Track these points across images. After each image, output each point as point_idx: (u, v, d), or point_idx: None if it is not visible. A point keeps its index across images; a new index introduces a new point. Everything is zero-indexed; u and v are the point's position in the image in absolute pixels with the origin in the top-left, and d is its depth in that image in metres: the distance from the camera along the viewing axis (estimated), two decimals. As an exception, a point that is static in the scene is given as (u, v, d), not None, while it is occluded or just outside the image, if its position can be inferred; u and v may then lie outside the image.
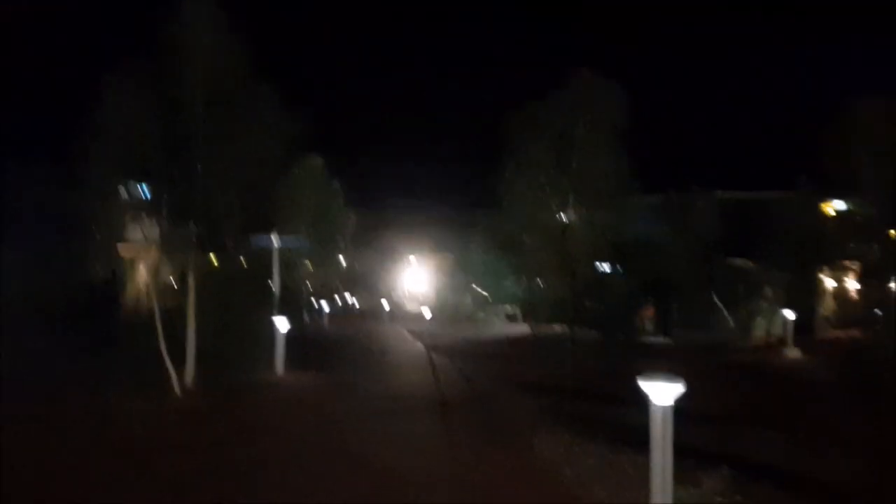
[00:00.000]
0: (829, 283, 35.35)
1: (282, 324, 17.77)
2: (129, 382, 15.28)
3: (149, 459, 9.01)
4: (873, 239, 29.13)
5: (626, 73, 19.38)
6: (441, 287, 58.06)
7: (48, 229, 22.61)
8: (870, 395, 14.73)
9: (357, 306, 57.06)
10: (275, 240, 23.69)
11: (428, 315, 43.56)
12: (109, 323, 25.30)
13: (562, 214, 19.44)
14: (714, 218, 30.88)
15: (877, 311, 31.03)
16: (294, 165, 37.85)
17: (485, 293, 47.81)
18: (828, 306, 37.54)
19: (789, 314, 26.52)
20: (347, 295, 58.02)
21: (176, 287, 20.00)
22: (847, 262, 33.17)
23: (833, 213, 31.04)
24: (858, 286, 35.81)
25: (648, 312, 36.46)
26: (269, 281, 23.89)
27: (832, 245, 30.52)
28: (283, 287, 31.73)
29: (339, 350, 25.09)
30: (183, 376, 14.67)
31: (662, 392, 5.85)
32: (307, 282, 43.02)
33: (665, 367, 17.65)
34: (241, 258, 22.55)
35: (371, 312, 51.94)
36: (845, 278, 36.43)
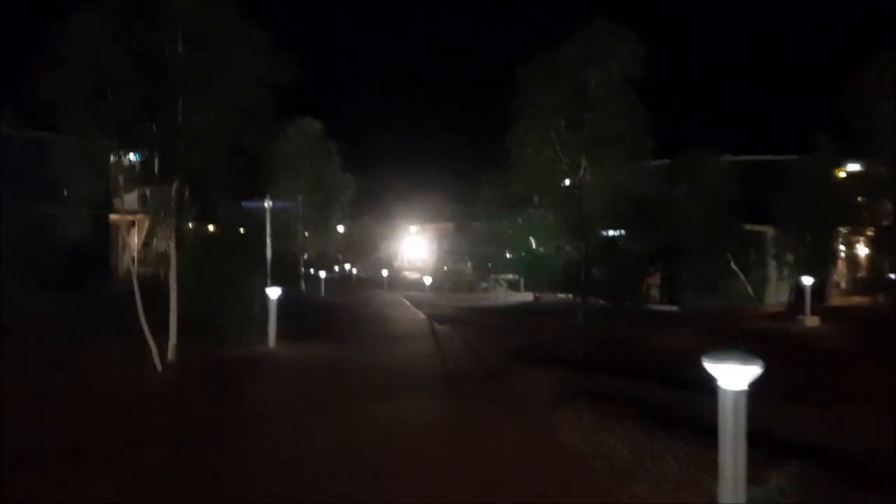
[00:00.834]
0: (840, 248, 34.30)
1: (274, 293, 16.56)
2: (108, 355, 14.21)
3: (104, 456, 7.75)
4: (889, 201, 28.05)
5: (640, 24, 17.81)
6: (442, 254, 57.14)
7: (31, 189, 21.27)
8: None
9: (356, 274, 56.07)
10: (268, 204, 22.56)
11: (428, 283, 42.49)
12: (99, 290, 24.25)
13: (573, 174, 18.22)
14: (726, 182, 29.69)
15: (892, 276, 30.05)
16: (290, 127, 36.99)
17: (487, 261, 46.92)
18: (840, 272, 36.55)
19: (807, 280, 25.35)
20: (346, 263, 57.16)
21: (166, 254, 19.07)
22: (858, 228, 32.13)
23: (848, 176, 29.84)
24: (868, 251, 34.80)
25: (654, 279, 35.49)
26: (263, 248, 22.80)
27: (847, 209, 29.35)
28: (279, 255, 30.71)
29: (337, 320, 23.96)
30: (166, 350, 13.46)
31: (735, 375, 4.66)
32: (304, 249, 42.05)
33: (678, 337, 16.65)
34: (232, 224, 21.45)
35: (370, 281, 50.95)
36: (856, 244, 35.41)
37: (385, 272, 48.51)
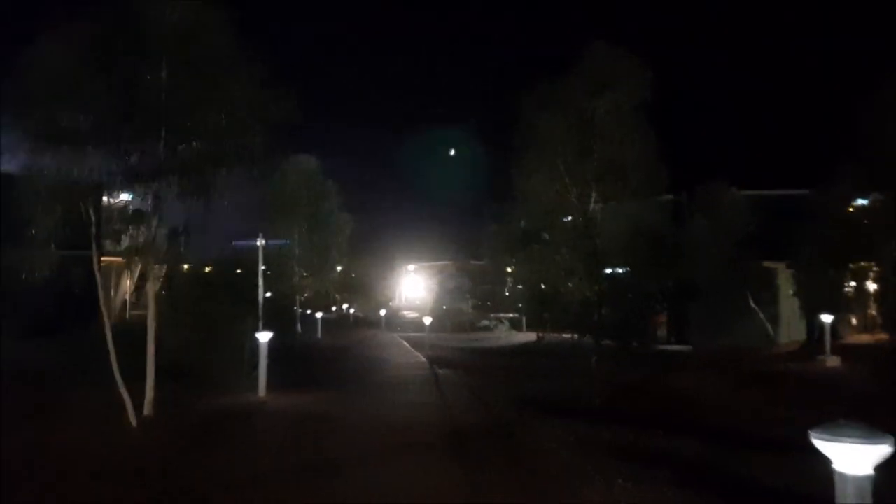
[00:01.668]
0: (851, 284, 33.26)
1: (264, 338, 15.34)
2: (80, 408, 12.95)
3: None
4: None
5: (647, 51, 16.98)
6: (441, 293, 55.87)
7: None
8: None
9: (354, 314, 54.80)
10: (260, 242, 21.36)
11: (427, 323, 41.17)
12: (86, 335, 23.05)
13: (583, 207, 17.21)
14: (741, 216, 28.64)
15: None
16: (286, 164, 36.12)
17: (487, 299, 45.78)
18: (853, 309, 35.42)
19: (827, 318, 24.13)
20: (345, 303, 55.89)
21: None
22: (868, 263, 31.13)
23: (867, 208, 28.81)
24: (879, 287, 33.69)
25: (661, 318, 34.33)
26: (255, 288, 21.61)
27: (868, 243, 28.21)
28: (274, 296, 29.48)
29: (333, 364, 22.68)
30: (143, 402, 12.18)
31: (857, 456, 3.46)
32: (301, 290, 40.81)
33: (699, 381, 15.36)
34: (221, 264, 20.32)
35: (368, 321, 49.59)
36: (868, 279, 34.39)
37: (383, 312, 47.22)
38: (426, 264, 64.89)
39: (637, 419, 12.52)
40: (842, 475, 3.58)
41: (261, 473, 8.99)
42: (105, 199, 12.83)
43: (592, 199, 16.85)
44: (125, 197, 12.97)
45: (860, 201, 28.40)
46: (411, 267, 66.54)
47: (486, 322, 45.11)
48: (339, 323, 48.18)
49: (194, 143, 12.25)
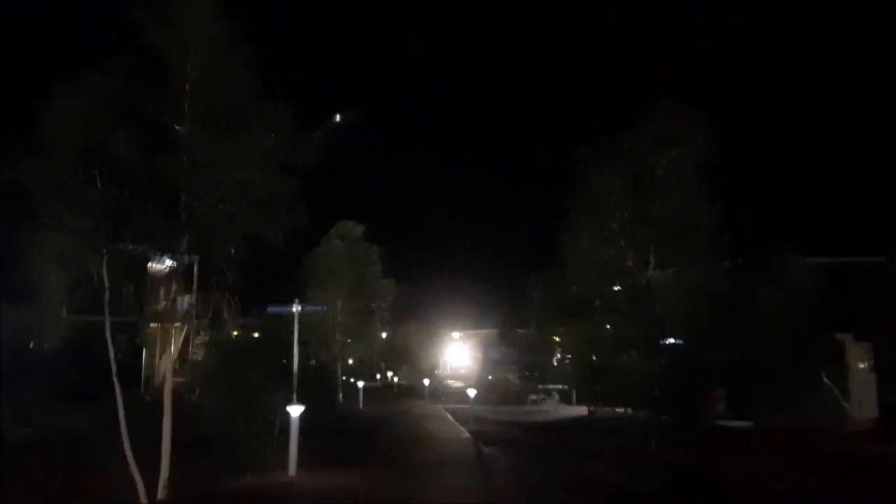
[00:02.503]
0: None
1: (296, 411, 14.27)
2: (93, 486, 12.00)
3: None
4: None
5: (709, 108, 15.86)
6: (486, 362, 54.25)
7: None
8: None
9: (397, 383, 53.50)
10: (296, 309, 20.43)
11: (472, 395, 39.55)
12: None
13: (639, 273, 15.95)
14: (809, 285, 26.88)
15: None
16: (329, 230, 35.65)
17: (534, 370, 44.06)
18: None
19: (910, 396, 22.05)
20: (388, 371, 54.72)
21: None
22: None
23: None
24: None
25: (718, 393, 32.35)
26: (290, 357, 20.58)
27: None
28: (314, 365, 28.42)
29: (372, 438, 21.41)
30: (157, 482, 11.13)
31: None
32: (344, 357, 39.79)
33: (771, 466, 13.64)
34: (251, 330, 19.44)
35: (411, 390, 48.17)
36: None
37: (427, 381, 45.81)
38: (471, 332, 63.54)
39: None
40: None
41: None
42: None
43: (651, 265, 15.58)
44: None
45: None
46: (456, 335, 65.17)
47: (533, 395, 43.26)
48: (382, 392, 46.97)
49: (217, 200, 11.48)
